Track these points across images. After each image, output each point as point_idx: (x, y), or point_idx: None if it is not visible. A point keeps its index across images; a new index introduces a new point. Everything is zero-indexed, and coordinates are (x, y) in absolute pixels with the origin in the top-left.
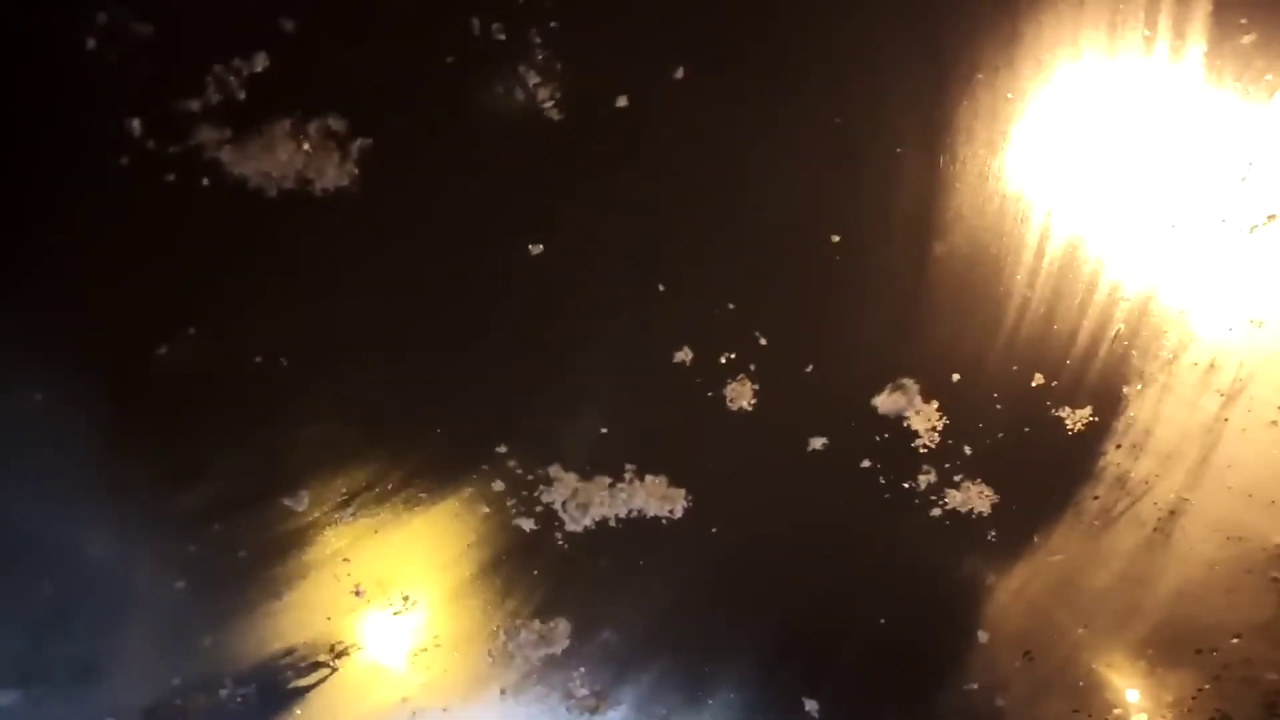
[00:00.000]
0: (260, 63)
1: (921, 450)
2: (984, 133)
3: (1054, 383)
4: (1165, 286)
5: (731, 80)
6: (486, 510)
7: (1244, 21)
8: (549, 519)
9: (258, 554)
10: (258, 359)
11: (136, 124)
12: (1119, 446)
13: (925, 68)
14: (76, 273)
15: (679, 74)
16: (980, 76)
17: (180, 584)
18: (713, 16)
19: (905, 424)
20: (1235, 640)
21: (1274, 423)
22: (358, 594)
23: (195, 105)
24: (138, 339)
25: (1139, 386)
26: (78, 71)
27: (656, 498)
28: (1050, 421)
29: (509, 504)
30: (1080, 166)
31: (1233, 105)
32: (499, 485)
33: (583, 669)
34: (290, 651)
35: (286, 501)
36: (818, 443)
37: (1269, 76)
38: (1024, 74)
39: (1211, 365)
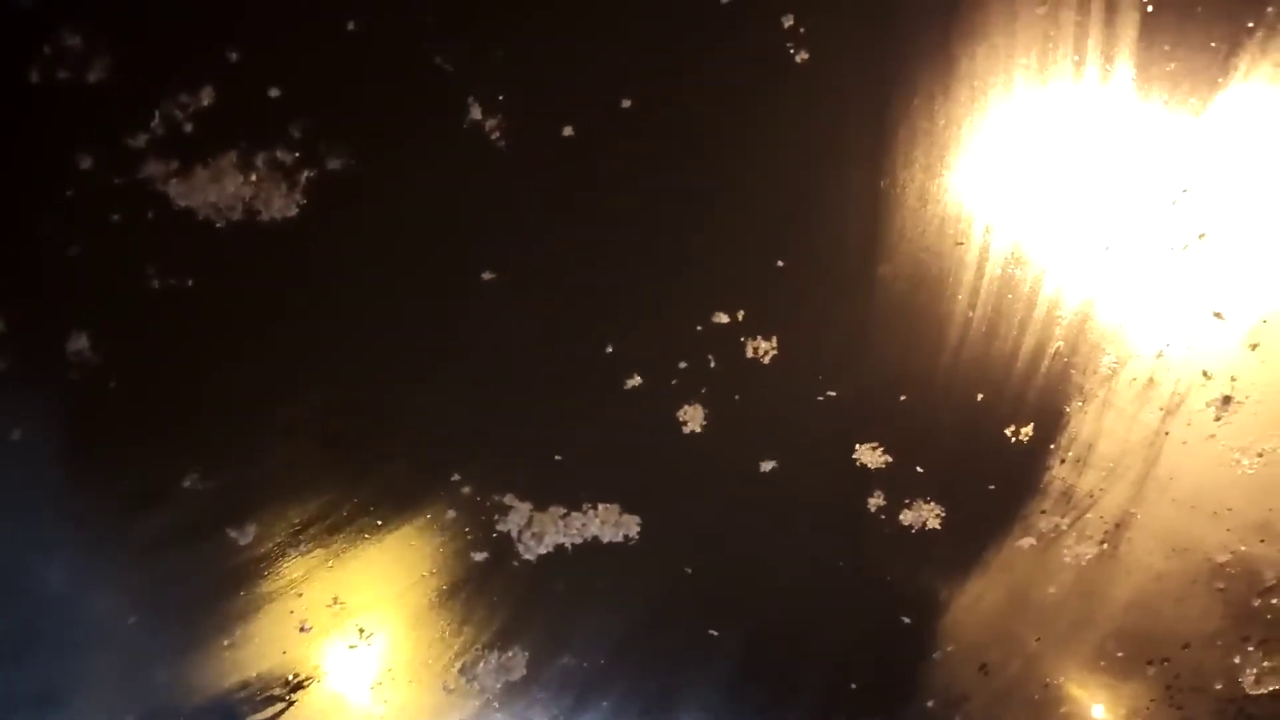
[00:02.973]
0: (207, 96)
1: (871, 469)
2: (923, 157)
3: (997, 400)
4: (1102, 305)
5: (676, 110)
6: (442, 539)
7: (1168, 48)
8: (505, 547)
9: (209, 587)
10: (209, 389)
11: (83, 157)
12: (1063, 461)
13: (865, 95)
14: (24, 307)
15: (625, 104)
16: (917, 103)
17: (133, 619)
18: (658, 47)
19: (855, 445)
20: (1185, 650)
21: (1213, 436)
22: (311, 628)
23: (142, 139)
24: (86, 372)
25: (1080, 403)
26: (24, 105)
27: (610, 524)
28: (996, 438)
29: (464, 532)
30: (1016, 189)
31: (1161, 128)
32: (453, 514)
33: (542, 696)
34: (245, 686)
35: (234, 534)
36: (768, 465)
37: (1194, 100)
38: (960, 100)
39: (1150, 380)
